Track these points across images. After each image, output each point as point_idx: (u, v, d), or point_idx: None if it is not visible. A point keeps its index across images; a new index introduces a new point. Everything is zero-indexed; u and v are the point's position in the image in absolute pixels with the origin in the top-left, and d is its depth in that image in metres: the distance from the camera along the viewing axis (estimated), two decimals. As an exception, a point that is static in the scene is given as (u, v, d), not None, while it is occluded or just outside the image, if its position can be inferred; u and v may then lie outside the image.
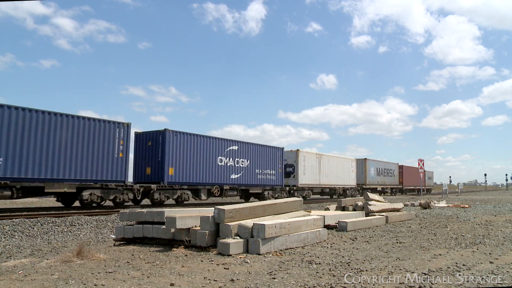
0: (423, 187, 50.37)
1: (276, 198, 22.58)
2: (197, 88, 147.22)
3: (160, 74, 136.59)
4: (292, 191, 25.68)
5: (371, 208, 12.44)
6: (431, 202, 19.38)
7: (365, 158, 35.64)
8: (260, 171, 22.65)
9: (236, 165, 21.02)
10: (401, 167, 45.49)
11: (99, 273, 5.20)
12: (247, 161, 21.70)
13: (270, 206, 8.26)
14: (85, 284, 4.65)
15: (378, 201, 13.59)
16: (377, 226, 10.75)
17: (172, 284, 4.62)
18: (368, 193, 13.93)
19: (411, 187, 48.72)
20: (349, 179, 32.66)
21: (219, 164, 19.92)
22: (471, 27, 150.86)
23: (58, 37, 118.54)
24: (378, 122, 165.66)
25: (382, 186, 38.84)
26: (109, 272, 5.22)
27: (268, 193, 23.29)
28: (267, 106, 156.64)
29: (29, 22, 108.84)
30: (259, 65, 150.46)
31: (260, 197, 22.69)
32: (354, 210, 12.69)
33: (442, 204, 20.73)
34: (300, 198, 9.95)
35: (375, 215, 11.92)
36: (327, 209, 13.85)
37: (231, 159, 20.64)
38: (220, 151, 19.98)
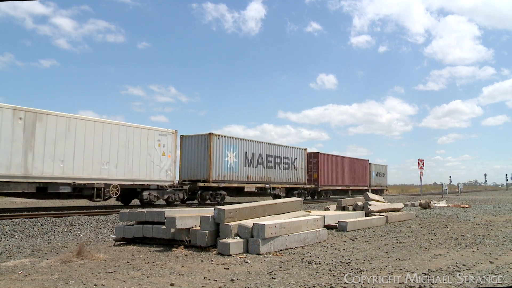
0: (386, 188, 40.74)
1: None
2: (197, 88, 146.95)
3: (159, 74, 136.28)
4: None
5: (371, 208, 12.45)
6: (431, 202, 19.40)
7: (210, 133, 19.69)
8: None
9: None
10: (315, 155, 28.39)
11: (99, 273, 5.20)
12: None
13: (270, 206, 8.26)
14: (85, 284, 4.65)
15: (378, 201, 13.61)
16: (377, 226, 10.75)
17: (172, 284, 4.62)
18: (368, 193, 13.94)
19: (338, 187, 30.96)
20: (151, 171, 17.17)
21: None
22: (471, 27, 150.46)
23: (58, 37, 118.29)
24: (378, 122, 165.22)
25: (262, 185, 22.72)
26: (109, 272, 5.22)
27: None
28: (267, 106, 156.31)
29: (28, 22, 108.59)
30: (259, 65, 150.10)
31: None
32: (354, 210, 12.70)
33: (442, 204, 20.74)
34: (300, 198, 9.93)
35: (375, 215, 11.93)
36: (327, 209, 13.89)
37: None
38: None
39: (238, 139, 21.68)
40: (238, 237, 6.72)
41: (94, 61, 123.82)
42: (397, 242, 7.89)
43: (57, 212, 13.73)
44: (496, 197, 34.69)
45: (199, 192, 19.37)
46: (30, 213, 13.27)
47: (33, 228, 10.23)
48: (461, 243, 7.82)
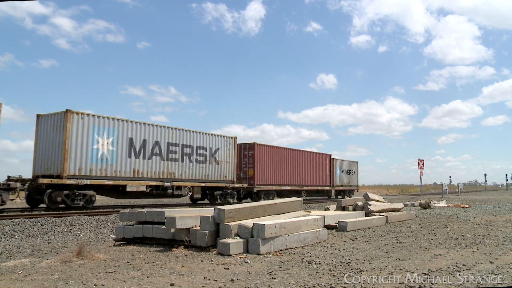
0: (357, 188, 35.28)
1: None
2: (197, 88, 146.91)
3: (159, 74, 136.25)
4: None
5: (371, 208, 12.45)
6: (431, 202, 19.41)
7: (68, 110, 14.65)
8: None
9: None
10: (250, 147, 22.88)
11: (99, 273, 5.20)
12: None
13: (270, 206, 8.26)
14: (85, 284, 4.65)
15: (378, 201, 13.61)
16: (377, 226, 10.76)
17: (172, 284, 4.62)
18: (368, 193, 13.94)
19: (285, 188, 25.10)
20: None
21: None
22: (471, 27, 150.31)
23: (57, 36, 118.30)
24: (378, 122, 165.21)
25: (159, 183, 17.43)
26: (109, 272, 5.22)
27: None
28: (267, 106, 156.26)
29: (28, 21, 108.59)
30: (258, 65, 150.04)
31: None
32: (354, 210, 12.70)
33: (442, 204, 20.74)
34: (300, 198, 9.94)
35: (375, 215, 11.93)
36: (327, 209, 13.88)
37: None
38: None
39: (117, 120, 16.07)
40: (238, 237, 6.72)
41: (93, 61, 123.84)
42: (397, 242, 7.89)
43: (57, 212, 13.73)
44: (496, 197, 34.68)
45: (47, 192, 14.34)
46: (30, 213, 13.27)
47: (33, 228, 10.24)
48: (461, 243, 7.82)
